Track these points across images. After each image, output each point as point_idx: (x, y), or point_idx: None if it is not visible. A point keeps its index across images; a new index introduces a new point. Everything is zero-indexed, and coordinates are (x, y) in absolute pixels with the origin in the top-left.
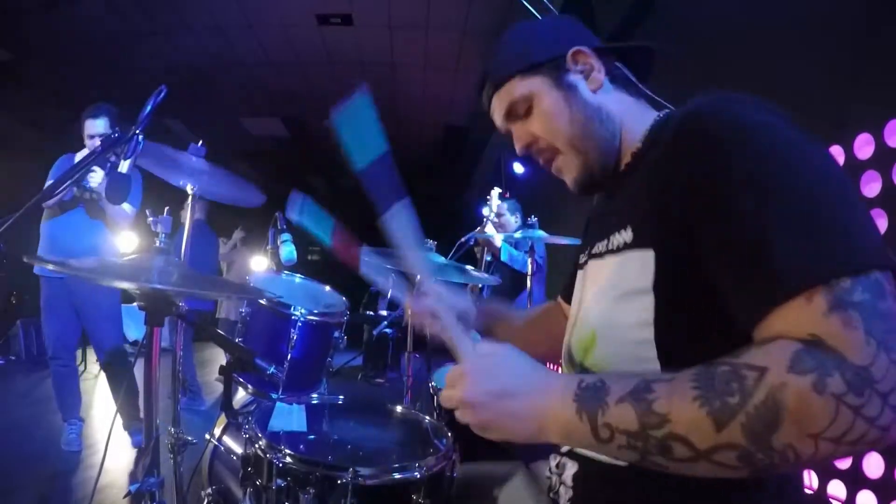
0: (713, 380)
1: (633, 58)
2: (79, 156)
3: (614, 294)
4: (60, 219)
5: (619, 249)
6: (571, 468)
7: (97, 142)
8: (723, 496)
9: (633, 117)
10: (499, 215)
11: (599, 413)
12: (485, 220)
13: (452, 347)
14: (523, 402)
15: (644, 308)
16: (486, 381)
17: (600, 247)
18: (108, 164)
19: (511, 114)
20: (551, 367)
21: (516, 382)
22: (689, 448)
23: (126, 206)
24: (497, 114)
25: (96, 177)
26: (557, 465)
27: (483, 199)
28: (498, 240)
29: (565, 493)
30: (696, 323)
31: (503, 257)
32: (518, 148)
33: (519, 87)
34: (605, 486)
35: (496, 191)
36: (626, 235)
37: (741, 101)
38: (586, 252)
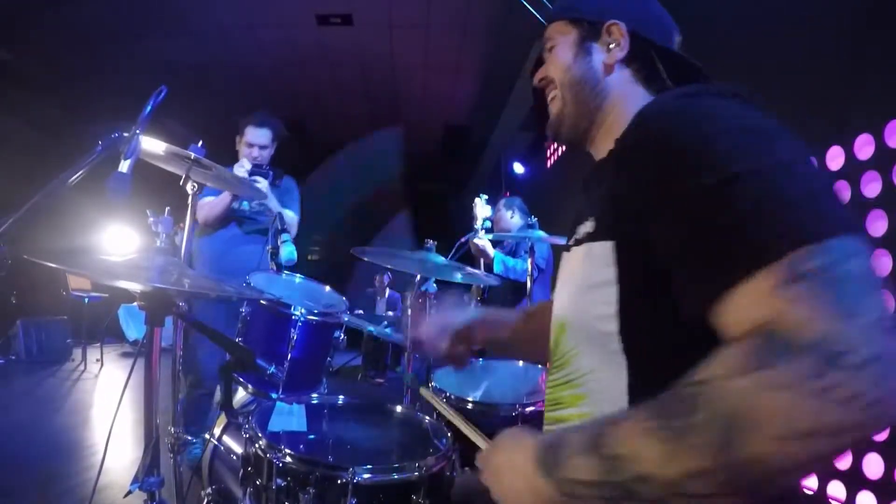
0: (661, 407)
1: (672, 59)
2: (237, 167)
3: (580, 285)
4: (217, 234)
5: (583, 241)
6: None
7: (255, 152)
8: None
9: (629, 104)
10: (496, 212)
11: (558, 471)
12: (474, 231)
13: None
14: (512, 481)
15: (607, 301)
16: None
17: (572, 237)
18: (270, 174)
19: (545, 47)
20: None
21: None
22: (652, 485)
23: (289, 213)
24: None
25: (261, 185)
26: None
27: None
28: (490, 251)
29: None
30: (657, 317)
31: (497, 269)
32: (535, 78)
33: (558, 29)
34: None
35: (479, 199)
36: (588, 226)
37: (691, 94)
38: (569, 240)
